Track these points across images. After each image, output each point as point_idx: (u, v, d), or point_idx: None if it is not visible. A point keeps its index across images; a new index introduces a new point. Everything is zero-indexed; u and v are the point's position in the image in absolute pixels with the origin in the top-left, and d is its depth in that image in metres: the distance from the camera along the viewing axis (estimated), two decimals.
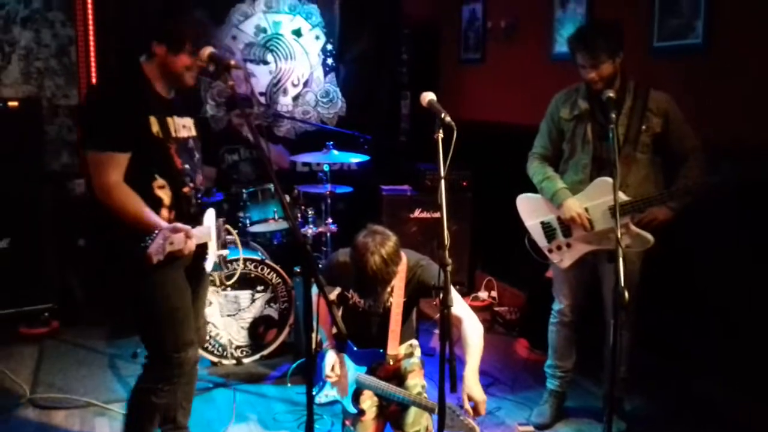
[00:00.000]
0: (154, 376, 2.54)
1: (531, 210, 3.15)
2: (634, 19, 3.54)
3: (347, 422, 2.82)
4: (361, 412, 2.74)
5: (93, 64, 4.66)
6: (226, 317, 3.79)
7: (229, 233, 2.65)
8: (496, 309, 4.63)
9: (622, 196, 2.81)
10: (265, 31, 5.16)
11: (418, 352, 2.91)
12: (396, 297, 2.75)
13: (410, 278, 2.77)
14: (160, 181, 2.39)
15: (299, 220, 4.13)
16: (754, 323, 3.09)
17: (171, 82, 2.46)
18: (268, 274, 3.84)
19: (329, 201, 4.11)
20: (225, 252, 2.63)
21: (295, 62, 5.28)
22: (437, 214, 2.41)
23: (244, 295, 3.81)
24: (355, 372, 2.78)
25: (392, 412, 2.79)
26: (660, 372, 3.53)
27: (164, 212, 2.39)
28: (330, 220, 4.11)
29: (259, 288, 3.84)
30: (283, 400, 3.49)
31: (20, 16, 4.60)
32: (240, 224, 4.09)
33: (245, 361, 3.83)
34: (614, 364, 2.60)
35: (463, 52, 5.44)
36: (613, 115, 2.55)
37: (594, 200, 2.93)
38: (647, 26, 3.54)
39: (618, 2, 3.78)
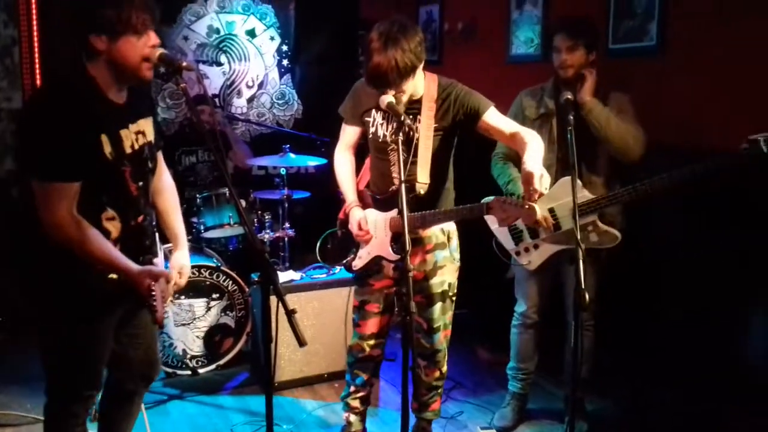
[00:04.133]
0: (62, 413, 2.30)
1: None
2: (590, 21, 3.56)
3: (355, 303, 2.84)
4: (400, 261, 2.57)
5: (37, 65, 4.47)
6: (180, 326, 3.67)
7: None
8: (456, 312, 4.60)
9: (587, 194, 2.84)
10: (218, 31, 5.04)
11: (455, 241, 2.76)
12: (425, 119, 2.49)
13: (444, 98, 2.52)
14: (109, 213, 2.09)
15: (256, 225, 4.04)
16: (713, 324, 3.13)
17: (126, 80, 2.07)
18: (224, 281, 3.73)
19: (286, 205, 4.03)
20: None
21: (250, 63, 5.18)
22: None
23: (199, 303, 3.69)
24: (386, 216, 2.66)
25: (416, 303, 2.62)
26: (621, 372, 3.55)
27: None
28: (287, 225, 4.03)
29: (215, 296, 3.73)
30: (240, 411, 3.39)
31: None
32: (194, 230, 3.98)
33: (201, 371, 3.71)
34: (576, 365, 2.60)
35: None
36: (571, 117, 2.54)
37: (560, 200, 2.93)
38: (603, 28, 3.57)
39: (574, 4, 3.80)
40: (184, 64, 2.08)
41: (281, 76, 5.32)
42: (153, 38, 2.04)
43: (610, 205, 2.85)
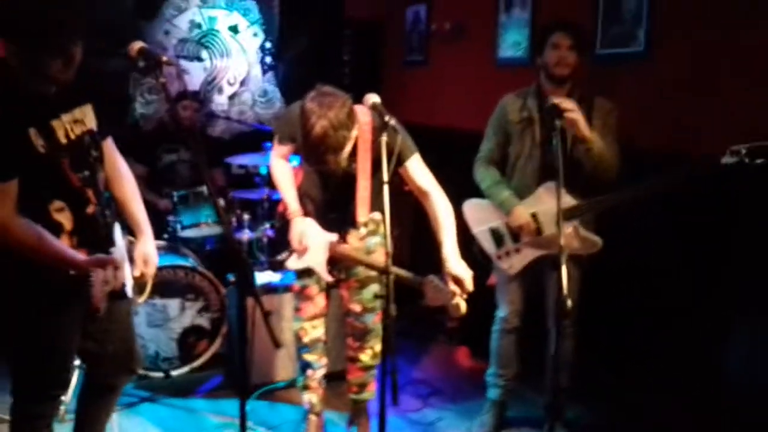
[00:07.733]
0: (29, 413, 2.24)
1: (478, 217, 3.10)
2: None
3: (295, 289, 2.92)
4: (335, 281, 2.82)
5: None
6: (153, 327, 3.57)
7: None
8: (437, 317, 4.56)
9: (570, 200, 2.80)
10: (199, 26, 4.95)
11: (382, 229, 2.83)
12: (362, 161, 2.60)
13: (375, 138, 2.59)
14: (57, 204, 2.04)
15: (234, 225, 3.95)
16: (694, 329, 3.11)
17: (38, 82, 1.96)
18: (200, 281, 3.63)
19: (266, 205, 3.95)
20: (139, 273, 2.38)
21: (232, 60, 5.10)
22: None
23: (173, 303, 3.60)
24: (326, 239, 2.71)
25: (350, 288, 2.84)
26: (602, 380, 3.52)
27: (65, 239, 2.06)
28: (267, 226, 3.95)
29: (190, 296, 3.63)
30: (214, 414, 3.31)
31: None
32: (170, 228, 3.89)
33: (174, 373, 3.62)
34: (556, 372, 2.56)
35: (406, 54, 5.37)
36: (558, 123, 2.51)
37: (542, 205, 2.90)
38: (591, 33, 3.54)
39: (562, 8, 3.78)
40: (165, 59, 2.04)
41: (264, 73, 5.24)
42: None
43: (591, 210, 2.82)
